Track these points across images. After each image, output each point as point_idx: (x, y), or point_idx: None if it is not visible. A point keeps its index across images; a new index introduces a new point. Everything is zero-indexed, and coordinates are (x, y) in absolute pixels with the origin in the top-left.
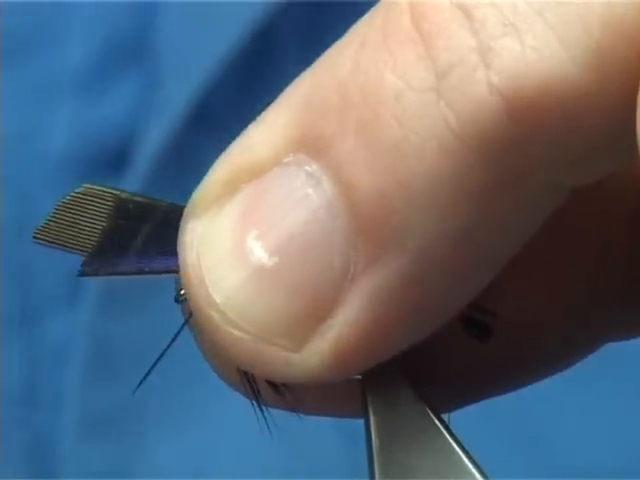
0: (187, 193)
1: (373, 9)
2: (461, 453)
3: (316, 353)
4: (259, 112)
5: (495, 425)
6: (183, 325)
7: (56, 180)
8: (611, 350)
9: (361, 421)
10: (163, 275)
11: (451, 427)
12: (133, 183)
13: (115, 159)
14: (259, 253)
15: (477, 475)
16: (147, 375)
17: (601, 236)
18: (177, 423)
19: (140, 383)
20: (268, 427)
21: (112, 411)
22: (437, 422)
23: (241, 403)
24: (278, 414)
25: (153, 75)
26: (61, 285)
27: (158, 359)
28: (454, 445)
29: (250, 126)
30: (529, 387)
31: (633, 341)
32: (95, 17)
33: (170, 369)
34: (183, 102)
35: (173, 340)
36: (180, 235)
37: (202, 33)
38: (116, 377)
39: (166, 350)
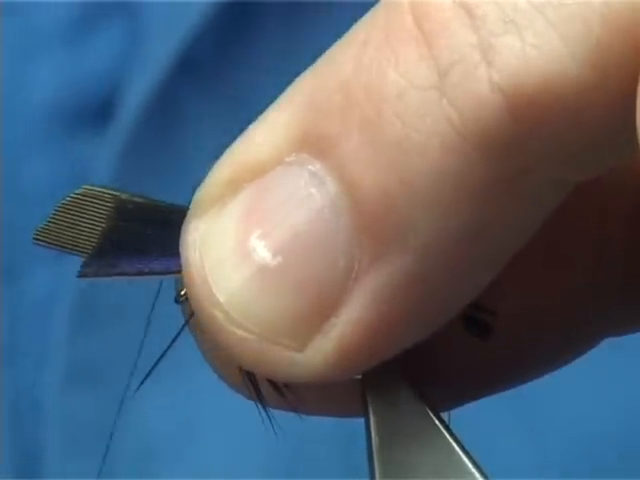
0: (171, 143)
1: (374, 8)
2: (461, 453)
3: (320, 352)
4: (244, 60)
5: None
6: (183, 326)
7: (42, 131)
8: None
9: (353, 420)
10: (164, 276)
11: (451, 426)
12: (118, 133)
13: (100, 110)
14: (262, 252)
15: (477, 475)
16: (147, 376)
17: (599, 231)
18: (164, 376)
19: (140, 384)
20: (273, 428)
21: (97, 364)
22: (437, 422)
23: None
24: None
25: (137, 26)
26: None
27: (156, 363)
28: (454, 445)
29: (252, 125)
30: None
31: None
32: None
33: (159, 326)
34: (167, 53)
35: (173, 341)
36: (182, 235)
37: None
38: (101, 330)
39: (165, 352)
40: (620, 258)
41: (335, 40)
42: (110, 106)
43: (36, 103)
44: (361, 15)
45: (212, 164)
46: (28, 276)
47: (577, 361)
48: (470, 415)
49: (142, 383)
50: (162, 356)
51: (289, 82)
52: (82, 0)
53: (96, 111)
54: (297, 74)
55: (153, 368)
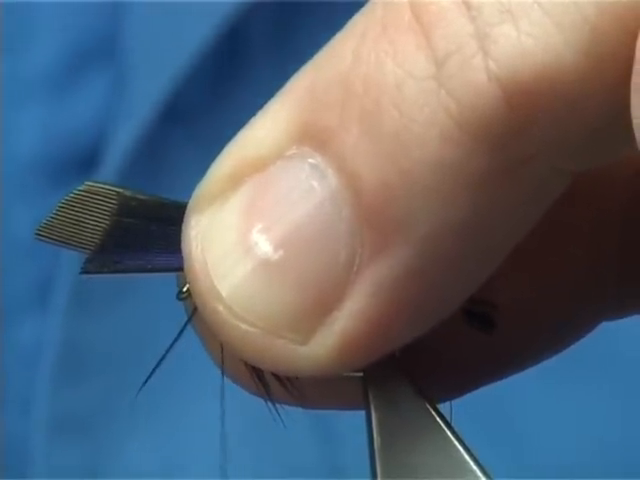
0: (159, 191)
1: (372, 1)
2: (463, 451)
3: (323, 345)
4: (229, 109)
5: (476, 424)
6: (185, 325)
7: (27, 182)
8: (590, 350)
9: (338, 421)
10: (166, 273)
11: (453, 424)
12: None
13: (87, 159)
14: (264, 246)
15: (479, 473)
16: (150, 375)
17: (596, 221)
18: (146, 423)
19: (144, 383)
20: (282, 420)
21: (81, 412)
22: (439, 420)
23: (210, 403)
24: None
25: (123, 74)
26: (31, 288)
27: (161, 359)
28: (456, 443)
29: (252, 119)
30: (508, 386)
31: (610, 341)
32: (63, 16)
33: (140, 370)
34: (153, 100)
35: (175, 340)
36: (184, 230)
37: (171, 31)
38: (85, 379)
39: (169, 349)
40: (615, 245)
41: None
42: (96, 156)
43: (21, 154)
44: None
45: None
46: (14, 325)
47: (551, 393)
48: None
49: (148, 379)
50: (165, 355)
51: None
52: (67, 47)
53: (82, 161)
54: None
55: (159, 363)
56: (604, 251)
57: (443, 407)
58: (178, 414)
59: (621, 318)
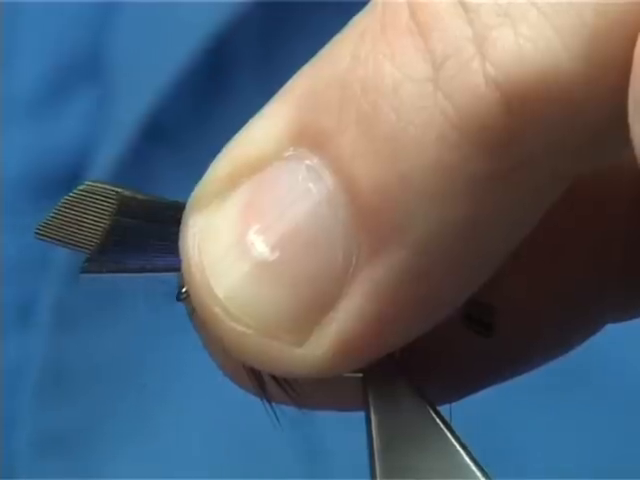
0: None
1: (372, 2)
2: (463, 453)
3: (319, 347)
4: (213, 128)
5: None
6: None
7: (10, 201)
8: (577, 363)
9: (321, 438)
10: (165, 273)
11: (453, 425)
12: None
13: (70, 177)
14: (261, 247)
15: (478, 474)
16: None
17: (599, 222)
18: (130, 440)
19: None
20: (279, 421)
21: (65, 431)
22: (439, 421)
23: (192, 417)
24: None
25: (106, 93)
26: (14, 307)
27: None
28: (456, 444)
29: (251, 121)
30: (496, 401)
31: (600, 355)
32: (47, 35)
33: (123, 388)
34: (137, 118)
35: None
36: (182, 230)
37: (155, 48)
38: (69, 398)
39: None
40: (618, 248)
41: None
42: (79, 174)
43: (3, 173)
44: None
45: None
46: None
47: (541, 413)
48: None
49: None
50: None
51: None
52: (50, 67)
53: (65, 180)
54: None
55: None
56: (608, 254)
57: (443, 410)
58: (162, 434)
59: (625, 321)
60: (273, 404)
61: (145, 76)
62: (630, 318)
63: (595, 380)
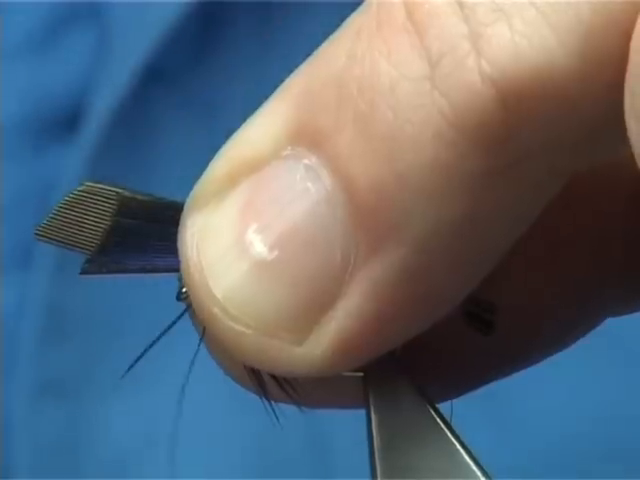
0: (141, 150)
1: (367, 1)
2: (463, 451)
3: (318, 346)
4: (212, 68)
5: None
6: (179, 316)
7: (8, 143)
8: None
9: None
10: (166, 274)
11: (453, 425)
12: (87, 141)
13: (69, 119)
14: (259, 247)
15: (479, 474)
16: (140, 357)
17: (597, 219)
18: (130, 387)
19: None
20: (278, 420)
21: (64, 376)
22: (439, 421)
23: (195, 374)
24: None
25: (105, 34)
26: (13, 250)
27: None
28: (456, 444)
29: (248, 120)
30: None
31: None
32: None
33: (126, 335)
34: (135, 59)
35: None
36: (180, 230)
37: None
38: (69, 342)
39: (160, 336)
40: (619, 242)
41: (308, 44)
42: (78, 115)
43: (3, 115)
44: (335, 17)
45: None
46: None
47: (546, 361)
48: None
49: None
50: (159, 337)
51: (260, 88)
52: (48, 8)
53: (64, 120)
54: (268, 80)
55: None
56: (607, 250)
57: (444, 407)
58: (163, 379)
59: (625, 314)
60: (273, 403)
61: (144, 18)
62: (630, 312)
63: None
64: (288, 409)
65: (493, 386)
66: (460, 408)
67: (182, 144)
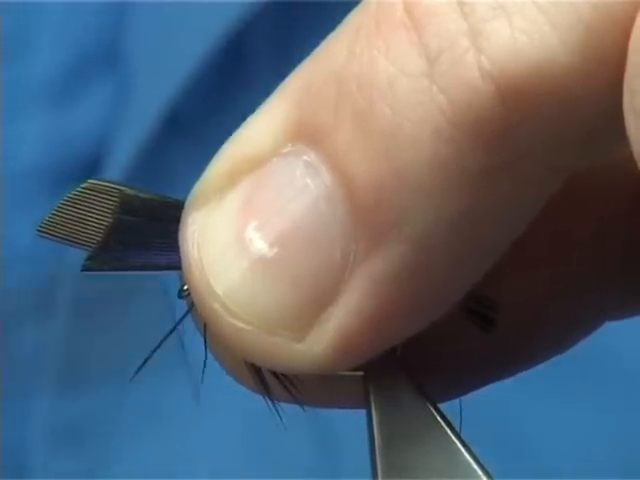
0: None
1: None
2: (464, 451)
3: (318, 343)
4: (232, 118)
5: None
6: (184, 316)
7: (29, 190)
8: (592, 352)
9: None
10: (167, 271)
11: (454, 424)
12: None
13: (89, 167)
14: (259, 244)
15: (480, 473)
16: (141, 367)
17: (599, 219)
18: (145, 435)
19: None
20: (281, 419)
21: (81, 422)
22: (440, 420)
23: (207, 414)
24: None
25: (125, 82)
26: (32, 296)
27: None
28: (457, 443)
29: (249, 118)
30: (497, 390)
31: (603, 343)
32: (65, 23)
33: (138, 382)
34: (156, 109)
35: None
36: (181, 228)
37: (174, 38)
38: (85, 390)
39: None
40: (619, 242)
41: None
42: (97, 165)
43: (22, 162)
44: None
45: None
46: (15, 332)
47: (548, 394)
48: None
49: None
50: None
51: None
52: (69, 56)
53: (83, 170)
54: None
55: (154, 351)
56: (608, 250)
57: (450, 407)
58: (176, 429)
59: (624, 318)
60: (275, 401)
61: (164, 67)
62: (629, 315)
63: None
64: (291, 408)
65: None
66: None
67: None
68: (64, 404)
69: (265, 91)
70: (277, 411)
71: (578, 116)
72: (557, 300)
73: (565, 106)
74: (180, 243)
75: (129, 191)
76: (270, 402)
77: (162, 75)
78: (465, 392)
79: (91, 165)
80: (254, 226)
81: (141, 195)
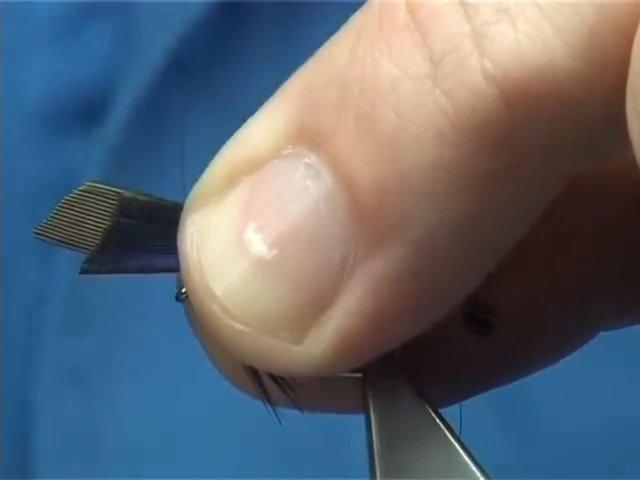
0: (162, 142)
1: (369, 1)
2: (463, 453)
3: (317, 344)
4: (234, 64)
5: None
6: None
7: (31, 130)
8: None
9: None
10: (165, 274)
11: (452, 425)
12: (109, 132)
13: (91, 109)
14: (258, 245)
15: (478, 474)
16: None
17: (599, 219)
18: (147, 376)
19: None
20: (279, 421)
21: (84, 362)
22: (438, 421)
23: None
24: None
25: (128, 25)
26: (33, 242)
27: None
28: (455, 444)
29: (249, 120)
30: None
31: None
32: None
33: (145, 324)
34: (159, 52)
35: None
36: (180, 230)
37: None
38: (90, 331)
39: None
40: (619, 250)
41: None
42: (101, 105)
43: (26, 102)
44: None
45: (205, 164)
46: (19, 273)
47: (563, 360)
48: (456, 415)
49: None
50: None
51: (282, 81)
52: None
53: (87, 110)
54: (291, 73)
55: None
56: (607, 254)
57: (451, 411)
58: (184, 362)
59: (620, 328)
60: (273, 405)
61: (168, 10)
62: (624, 325)
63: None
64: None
65: (511, 390)
66: (478, 412)
67: (204, 137)
68: (68, 345)
69: (269, 36)
70: (276, 415)
71: (581, 119)
72: (555, 305)
73: (568, 109)
74: (179, 244)
75: (127, 194)
76: (267, 405)
77: (167, 18)
78: (463, 398)
79: (95, 105)
80: (254, 227)
81: (139, 198)
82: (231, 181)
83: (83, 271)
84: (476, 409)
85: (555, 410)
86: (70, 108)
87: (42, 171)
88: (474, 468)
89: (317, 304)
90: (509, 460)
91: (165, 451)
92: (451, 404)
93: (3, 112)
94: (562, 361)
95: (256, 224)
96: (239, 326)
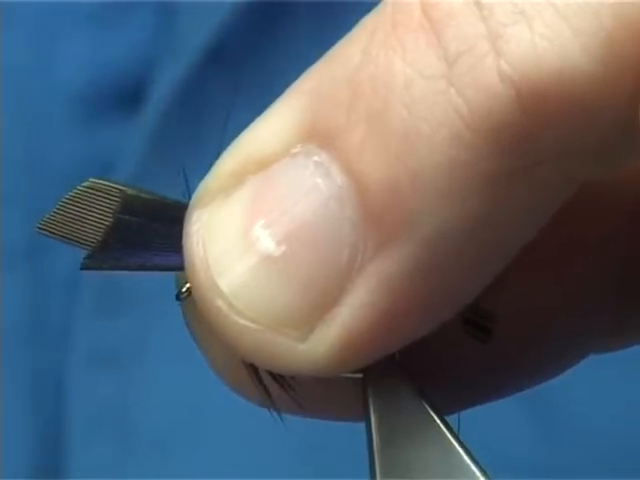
0: (200, 131)
1: (382, 3)
2: (462, 452)
3: (322, 342)
4: (271, 52)
5: None
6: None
7: (69, 112)
8: None
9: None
10: (167, 272)
11: (458, 427)
12: (147, 118)
13: (129, 94)
14: (266, 242)
15: (478, 473)
16: None
17: (599, 231)
18: (178, 358)
19: None
20: (282, 421)
21: (118, 346)
22: (438, 421)
23: None
24: None
25: (169, 12)
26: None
27: None
28: (456, 444)
29: (259, 117)
30: None
31: None
32: None
33: (177, 305)
34: (198, 40)
35: None
36: (185, 226)
37: None
38: (122, 313)
39: None
40: (618, 258)
41: None
42: (139, 91)
43: (65, 83)
44: None
45: None
46: (51, 257)
47: (588, 358)
48: (481, 412)
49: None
50: None
51: None
52: None
53: (125, 95)
54: None
55: None
56: (607, 270)
57: (454, 418)
58: None
59: (616, 350)
60: (273, 407)
61: (207, 5)
62: (622, 347)
63: None
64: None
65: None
66: (505, 407)
67: (242, 126)
68: (100, 327)
69: (307, 32)
70: (279, 417)
71: (597, 124)
72: (555, 314)
73: (585, 114)
74: (184, 240)
75: (130, 191)
76: (267, 405)
77: (207, 6)
78: (464, 407)
79: (133, 90)
80: (262, 224)
81: (142, 195)
82: (238, 179)
83: (84, 267)
84: (503, 404)
85: (584, 406)
86: (109, 91)
87: (78, 153)
88: (474, 467)
89: (324, 302)
90: (536, 456)
91: (196, 432)
92: (452, 412)
93: (40, 91)
94: (593, 358)
95: (264, 221)
96: (244, 322)
